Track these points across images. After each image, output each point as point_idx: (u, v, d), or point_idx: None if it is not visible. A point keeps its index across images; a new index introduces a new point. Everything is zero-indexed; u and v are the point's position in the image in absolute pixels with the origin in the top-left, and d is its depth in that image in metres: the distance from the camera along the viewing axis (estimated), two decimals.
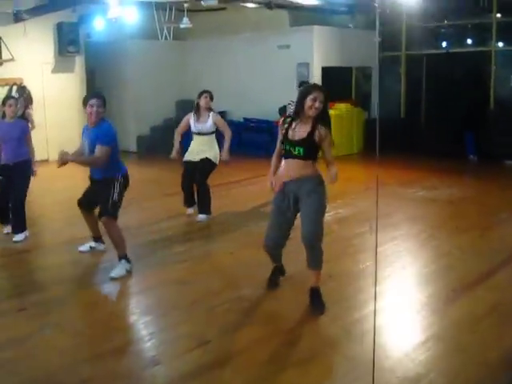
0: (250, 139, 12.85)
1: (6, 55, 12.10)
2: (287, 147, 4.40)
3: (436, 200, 8.22)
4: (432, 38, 13.46)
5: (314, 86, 4.61)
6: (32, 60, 12.65)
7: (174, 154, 7.38)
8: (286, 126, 4.43)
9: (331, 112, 12.24)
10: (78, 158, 5.41)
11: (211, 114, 7.33)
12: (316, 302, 4.50)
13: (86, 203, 5.73)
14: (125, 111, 14.26)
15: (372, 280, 5.10)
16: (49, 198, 9.11)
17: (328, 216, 7.38)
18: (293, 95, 12.30)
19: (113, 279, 5.22)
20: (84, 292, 5.08)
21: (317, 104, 4.25)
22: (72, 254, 6.26)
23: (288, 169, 4.46)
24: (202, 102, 7.26)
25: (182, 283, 5.23)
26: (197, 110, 7.33)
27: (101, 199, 5.42)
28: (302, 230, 4.38)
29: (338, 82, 12.82)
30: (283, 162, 4.58)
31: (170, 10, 10.74)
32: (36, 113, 12.60)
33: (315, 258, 4.44)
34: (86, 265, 5.85)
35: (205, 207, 7.34)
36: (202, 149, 7.30)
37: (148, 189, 9.72)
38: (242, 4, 11.69)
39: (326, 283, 5.09)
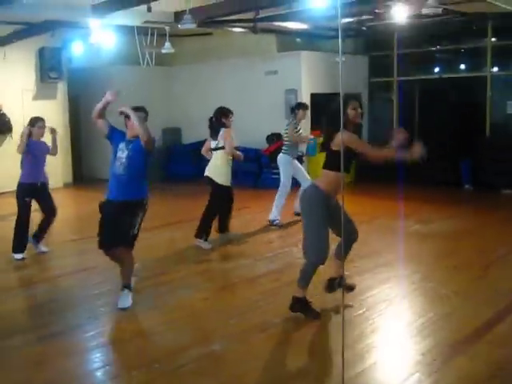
0: (237, 168, 12.25)
1: None
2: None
3: (431, 235, 7.68)
4: (425, 63, 13.04)
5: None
6: (12, 86, 12.24)
7: None
8: None
9: (319, 140, 11.79)
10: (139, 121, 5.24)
11: None
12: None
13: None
14: None
15: (358, 332, 4.56)
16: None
17: None
18: (281, 123, 11.98)
19: None
20: (33, 345, 4.47)
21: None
22: (23, 300, 5.73)
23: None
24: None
25: (148, 335, 4.69)
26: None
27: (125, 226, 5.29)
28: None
29: (327, 109, 12.31)
30: (335, 175, 4.61)
31: (152, 35, 10.31)
32: (16, 141, 12.11)
33: None
34: (39, 313, 5.27)
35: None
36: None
37: None
38: (228, 29, 11.27)
39: (299, 330, 4.60)
